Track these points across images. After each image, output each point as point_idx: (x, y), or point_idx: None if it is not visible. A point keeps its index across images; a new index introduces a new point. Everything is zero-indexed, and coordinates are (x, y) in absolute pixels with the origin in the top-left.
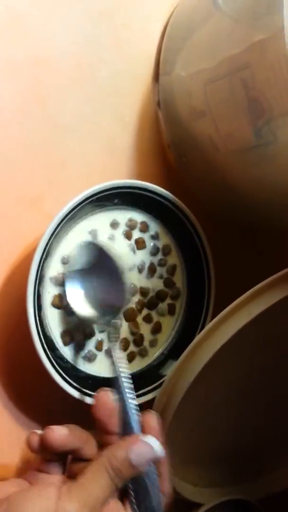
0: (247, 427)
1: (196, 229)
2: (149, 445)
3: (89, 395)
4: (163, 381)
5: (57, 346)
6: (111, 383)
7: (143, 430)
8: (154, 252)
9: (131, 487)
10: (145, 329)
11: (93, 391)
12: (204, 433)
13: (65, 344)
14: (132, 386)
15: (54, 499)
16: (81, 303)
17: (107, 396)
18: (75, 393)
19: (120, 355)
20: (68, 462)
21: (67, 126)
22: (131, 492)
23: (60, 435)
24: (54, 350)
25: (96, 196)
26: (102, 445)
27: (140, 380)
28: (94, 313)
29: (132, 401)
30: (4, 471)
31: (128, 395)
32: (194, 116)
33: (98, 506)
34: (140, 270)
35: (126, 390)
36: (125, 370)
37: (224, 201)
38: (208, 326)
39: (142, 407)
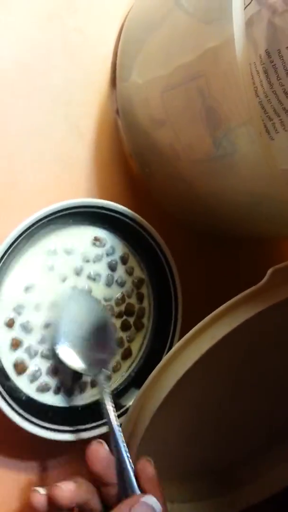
0: (220, 441)
1: (160, 245)
2: (150, 506)
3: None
4: (124, 411)
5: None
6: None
7: (139, 481)
8: (113, 268)
9: None
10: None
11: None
12: (176, 451)
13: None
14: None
15: None
16: (72, 356)
17: (102, 449)
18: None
19: (112, 407)
20: None
21: (16, 141)
22: None
23: (69, 491)
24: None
25: (47, 219)
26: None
27: (96, 411)
28: (85, 366)
29: (127, 453)
30: None
31: (123, 447)
32: (154, 125)
33: None
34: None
35: (121, 444)
36: (117, 421)
37: (189, 211)
38: (171, 352)
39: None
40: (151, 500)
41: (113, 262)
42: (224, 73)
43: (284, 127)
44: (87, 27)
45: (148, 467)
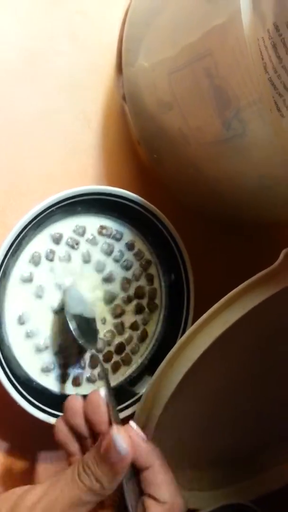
0: (236, 428)
1: (170, 231)
2: (115, 442)
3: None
4: (137, 399)
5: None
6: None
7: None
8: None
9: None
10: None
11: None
12: (192, 439)
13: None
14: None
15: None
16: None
17: (101, 399)
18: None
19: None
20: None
21: (23, 128)
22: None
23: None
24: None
25: (56, 206)
26: None
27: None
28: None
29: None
30: None
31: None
32: (162, 108)
33: (59, 508)
34: (108, 280)
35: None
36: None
37: (199, 195)
38: (184, 337)
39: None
40: (118, 436)
41: (121, 249)
42: (231, 50)
43: None
44: (91, 12)
45: (131, 430)
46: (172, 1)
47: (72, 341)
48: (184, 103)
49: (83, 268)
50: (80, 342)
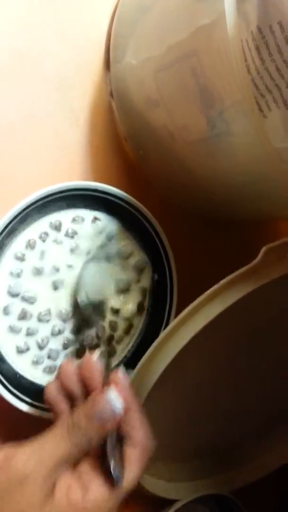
0: (216, 421)
1: (154, 227)
2: (110, 401)
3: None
4: None
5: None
6: None
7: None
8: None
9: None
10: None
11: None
12: (174, 431)
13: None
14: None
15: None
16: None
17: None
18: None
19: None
20: None
21: (10, 126)
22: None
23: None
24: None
25: (41, 202)
26: None
27: None
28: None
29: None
30: None
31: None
32: (148, 106)
33: (50, 462)
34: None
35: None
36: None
37: (184, 192)
38: (165, 331)
39: None
40: (111, 394)
41: (105, 242)
42: (216, 51)
43: (277, 103)
44: (79, 9)
45: (116, 375)
46: (159, 0)
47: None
48: (170, 101)
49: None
50: (86, 313)
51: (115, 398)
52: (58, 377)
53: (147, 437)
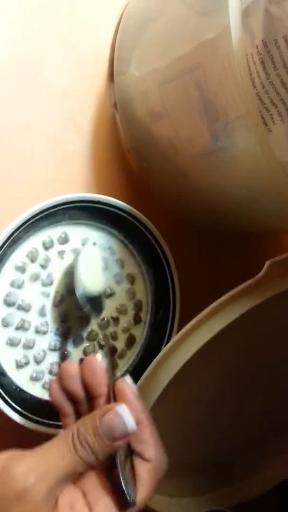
0: (220, 436)
1: (157, 239)
2: (122, 416)
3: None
4: None
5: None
6: None
7: (119, 397)
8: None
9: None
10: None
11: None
12: (175, 447)
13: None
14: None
15: (7, 457)
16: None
17: (100, 363)
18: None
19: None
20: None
21: (12, 136)
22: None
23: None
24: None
25: (44, 214)
26: None
27: None
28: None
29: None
30: None
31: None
32: (152, 118)
33: (53, 477)
34: None
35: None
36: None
37: (187, 205)
38: (168, 346)
39: None
40: (124, 411)
41: (107, 256)
42: (221, 65)
43: (282, 118)
44: (84, 20)
45: (125, 385)
46: (166, 12)
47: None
48: (174, 114)
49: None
50: (85, 309)
51: (127, 413)
52: (59, 381)
53: (161, 453)
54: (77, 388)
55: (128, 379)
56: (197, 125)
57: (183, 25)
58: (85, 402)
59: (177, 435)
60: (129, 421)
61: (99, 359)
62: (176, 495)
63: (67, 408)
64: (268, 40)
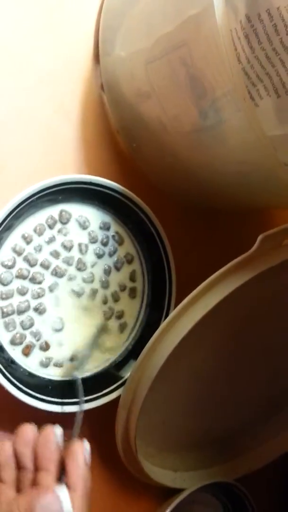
0: (218, 411)
1: (150, 219)
2: (59, 500)
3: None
4: (122, 383)
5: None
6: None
7: (67, 463)
8: (105, 243)
9: None
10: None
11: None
12: (177, 420)
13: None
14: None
15: None
16: None
17: (55, 435)
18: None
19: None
20: None
21: (2, 122)
22: None
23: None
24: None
25: (36, 196)
26: None
27: (102, 381)
28: None
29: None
30: None
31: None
32: (140, 98)
33: None
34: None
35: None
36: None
37: (178, 183)
38: (165, 322)
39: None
40: (63, 493)
41: (105, 238)
42: (205, 41)
43: (268, 92)
44: (67, 3)
45: (80, 448)
46: None
47: None
48: (161, 92)
49: (66, 254)
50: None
51: (66, 497)
52: (14, 440)
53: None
54: (27, 454)
55: (86, 445)
56: (185, 102)
57: (166, 2)
58: (30, 470)
59: (180, 410)
60: (67, 506)
61: (58, 433)
62: (180, 469)
63: (8, 474)
64: (251, 14)
